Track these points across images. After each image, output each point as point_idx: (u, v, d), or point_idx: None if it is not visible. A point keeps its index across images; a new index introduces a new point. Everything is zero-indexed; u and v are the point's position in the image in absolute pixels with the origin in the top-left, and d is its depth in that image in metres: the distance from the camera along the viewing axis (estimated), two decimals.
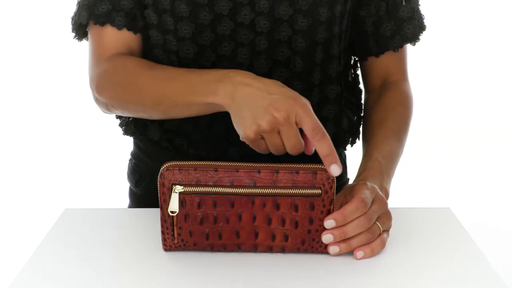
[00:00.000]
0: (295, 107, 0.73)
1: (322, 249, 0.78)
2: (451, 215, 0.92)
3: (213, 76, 0.79)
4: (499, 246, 2.06)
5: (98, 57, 0.93)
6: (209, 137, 0.94)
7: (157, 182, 0.77)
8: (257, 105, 0.74)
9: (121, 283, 0.74)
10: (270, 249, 0.78)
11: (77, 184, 2.53)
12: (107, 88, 0.90)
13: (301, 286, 0.72)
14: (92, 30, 0.93)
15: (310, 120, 0.73)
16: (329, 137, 0.74)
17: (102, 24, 0.91)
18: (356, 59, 1.03)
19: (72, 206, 0.97)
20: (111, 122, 1.11)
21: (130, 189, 1.11)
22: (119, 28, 0.91)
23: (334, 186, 0.76)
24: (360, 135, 1.03)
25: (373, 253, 0.78)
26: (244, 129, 0.75)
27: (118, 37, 0.92)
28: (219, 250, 0.78)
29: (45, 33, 2.55)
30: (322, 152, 0.74)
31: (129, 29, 0.91)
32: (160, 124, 0.97)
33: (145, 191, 1.05)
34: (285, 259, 0.78)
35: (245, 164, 0.75)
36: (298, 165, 0.75)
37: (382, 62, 1.00)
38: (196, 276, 0.74)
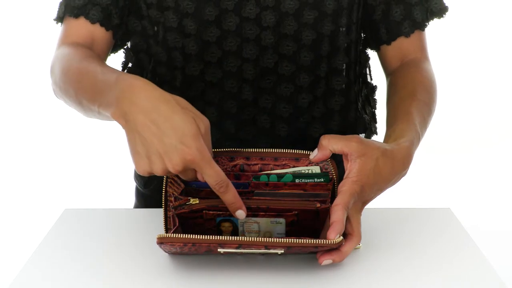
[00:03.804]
0: (191, 161, 0.68)
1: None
2: (451, 215, 0.92)
3: (116, 85, 0.72)
4: (499, 247, 2.06)
5: (60, 42, 0.92)
6: (217, 136, 0.94)
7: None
8: (151, 147, 0.68)
9: (121, 283, 0.74)
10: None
11: (77, 184, 2.53)
12: (54, 72, 0.87)
13: (301, 286, 0.72)
14: (65, 21, 0.93)
15: (210, 174, 0.70)
16: (232, 186, 0.72)
17: (76, 16, 0.91)
18: (368, 54, 1.03)
19: (72, 206, 0.97)
20: (111, 122, 1.11)
21: (137, 189, 1.11)
22: (92, 22, 0.90)
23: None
24: (372, 136, 1.03)
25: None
26: (137, 166, 0.70)
27: (86, 29, 0.91)
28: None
29: (47, 33, 2.55)
30: (227, 202, 0.73)
31: (102, 25, 0.91)
32: None
33: (154, 191, 1.05)
34: (285, 259, 0.78)
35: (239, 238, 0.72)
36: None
37: (395, 46, 0.98)
38: (198, 278, 0.74)
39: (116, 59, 1.01)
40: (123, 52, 1.00)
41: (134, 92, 0.69)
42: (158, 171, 0.69)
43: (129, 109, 0.69)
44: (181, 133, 0.67)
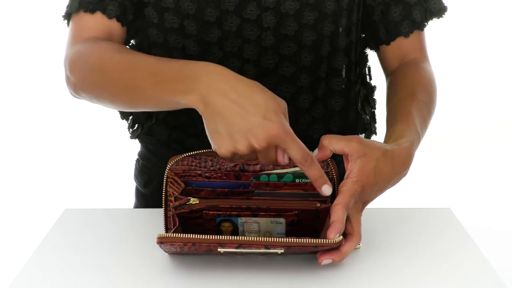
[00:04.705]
0: (277, 136, 0.68)
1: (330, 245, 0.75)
2: (451, 215, 0.92)
3: (185, 72, 0.72)
4: (499, 247, 2.06)
5: (76, 37, 0.90)
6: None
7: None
8: (234, 125, 0.68)
9: (121, 283, 0.74)
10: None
11: (77, 184, 2.53)
12: (78, 67, 0.85)
13: (301, 286, 0.72)
14: (78, 16, 0.90)
15: (296, 150, 0.70)
16: (316, 160, 0.72)
17: (93, 11, 0.89)
18: (367, 54, 1.03)
19: (72, 206, 0.97)
20: (111, 122, 1.11)
21: (137, 189, 1.11)
22: (110, 17, 0.89)
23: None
24: (372, 137, 1.03)
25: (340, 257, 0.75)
26: (219, 147, 0.70)
27: (103, 24, 0.89)
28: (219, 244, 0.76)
29: (48, 32, 2.55)
30: (312, 176, 0.72)
31: (118, 20, 0.90)
32: (167, 123, 0.97)
33: (154, 191, 1.05)
34: (285, 259, 0.78)
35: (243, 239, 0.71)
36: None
37: (394, 46, 0.98)
38: (198, 278, 0.74)
39: None
40: None
41: (210, 77, 0.70)
42: (242, 149, 0.69)
43: (207, 92, 0.69)
44: (264, 109, 0.68)
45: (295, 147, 0.70)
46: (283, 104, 0.71)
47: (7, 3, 2.62)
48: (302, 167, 0.71)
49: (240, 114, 0.68)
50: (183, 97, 0.71)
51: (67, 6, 0.92)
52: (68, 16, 0.92)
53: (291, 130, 0.70)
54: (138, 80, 0.77)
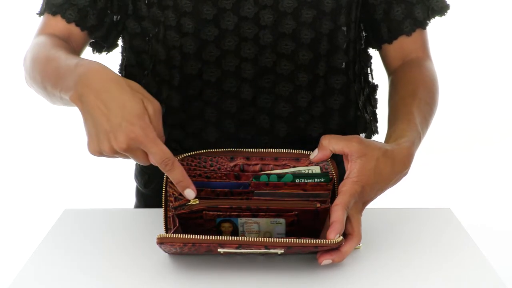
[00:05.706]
0: (135, 139, 0.69)
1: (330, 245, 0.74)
2: (451, 215, 0.92)
3: (75, 70, 0.74)
4: (499, 247, 2.06)
5: (37, 33, 0.94)
6: (217, 136, 0.94)
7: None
8: (99, 125, 0.70)
9: (121, 283, 0.74)
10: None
11: (77, 184, 2.52)
12: (25, 60, 0.89)
13: (301, 286, 0.72)
14: (45, 15, 0.95)
15: (155, 154, 0.71)
16: (179, 163, 0.73)
17: (54, 14, 0.92)
18: (370, 54, 1.03)
19: (72, 206, 0.97)
20: None
21: (138, 189, 1.11)
22: (68, 21, 0.92)
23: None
24: (374, 136, 1.03)
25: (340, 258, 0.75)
26: (88, 146, 0.72)
27: (63, 27, 0.93)
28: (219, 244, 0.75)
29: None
30: (174, 180, 0.74)
31: (77, 25, 0.93)
32: (165, 122, 0.97)
33: (154, 191, 1.05)
34: (284, 259, 0.78)
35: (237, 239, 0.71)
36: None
37: (397, 45, 0.98)
38: (198, 278, 0.74)
39: (116, 60, 1.02)
40: (123, 53, 1.00)
41: (89, 75, 0.72)
42: (106, 150, 0.70)
43: (83, 91, 0.71)
44: (126, 112, 0.69)
45: (155, 151, 0.71)
46: (153, 107, 0.72)
47: (7, 3, 2.63)
48: (163, 170, 0.73)
49: (105, 114, 0.69)
50: (66, 94, 0.74)
51: (40, 5, 0.96)
52: (41, 14, 0.96)
53: (153, 134, 0.71)
54: (47, 76, 0.81)
